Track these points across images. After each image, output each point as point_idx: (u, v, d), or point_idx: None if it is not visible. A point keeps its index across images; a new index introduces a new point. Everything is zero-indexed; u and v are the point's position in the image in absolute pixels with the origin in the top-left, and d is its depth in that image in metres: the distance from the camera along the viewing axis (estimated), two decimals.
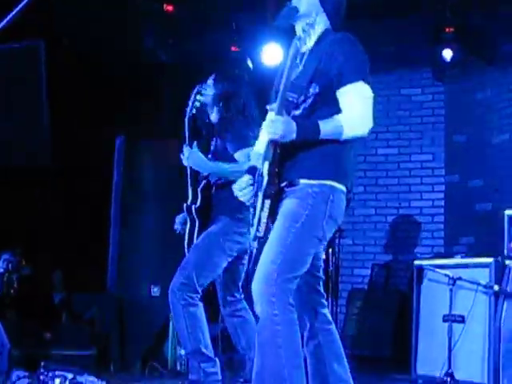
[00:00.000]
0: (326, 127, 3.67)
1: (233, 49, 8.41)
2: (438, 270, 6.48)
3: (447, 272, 6.30)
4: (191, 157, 5.20)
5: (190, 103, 5.31)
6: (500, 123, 8.07)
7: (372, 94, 3.80)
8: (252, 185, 3.94)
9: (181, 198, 5.76)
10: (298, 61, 3.92)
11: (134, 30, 8.24)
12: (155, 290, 7.15)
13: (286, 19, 4.01)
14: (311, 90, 3.79)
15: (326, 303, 4.00)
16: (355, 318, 7.90)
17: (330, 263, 7.63)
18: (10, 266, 6.43)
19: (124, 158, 7.36)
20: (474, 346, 6.19)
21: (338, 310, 7.87)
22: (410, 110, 8.83)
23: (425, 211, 8.66)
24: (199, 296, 5.10)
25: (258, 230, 3.80)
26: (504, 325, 6.01)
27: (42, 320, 7.32)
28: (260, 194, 3.81)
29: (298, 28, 3.97)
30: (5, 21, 3.09)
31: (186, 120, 5.33)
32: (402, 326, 7.30)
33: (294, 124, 3.66)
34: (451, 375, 6.02)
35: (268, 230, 3.78)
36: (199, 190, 5.33)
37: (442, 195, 8.63)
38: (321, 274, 4.00)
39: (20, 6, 3.10)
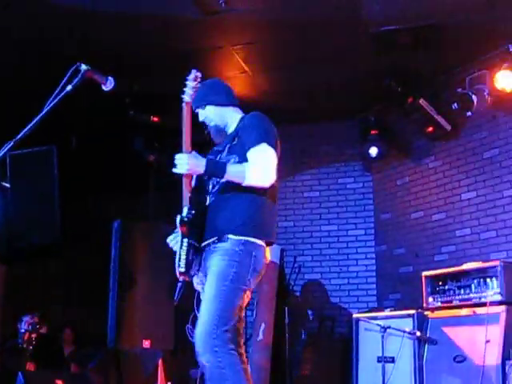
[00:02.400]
0: (231, 169, 3.61)
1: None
2: (371, 320, 6.51)
3: (379, 322, 6.33)
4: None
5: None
6: (417, 202, 8.13)
7: (273, 152, 3.71)
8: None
9: (166, 270, 5.75)
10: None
11: (127, 136, 8.33)
12: (146, 343, 7.07)
13: (220, 138, 3.98)
14: (232, 161, 3.74)
15: (243, 345, 3.73)
16: (308, 361, 7.85)
17: (287, 318, 7.62)
18: (30, 326, 6.33)
19: (120, 237, 7.35)
20: (402, 382, 6.18)
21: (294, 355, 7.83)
22: (345, 195, 8.85)
23: (360, 274, 8.65)
24: None
25: (179, 265, 3.66)
26: (426, 363, 6.06)
27: (55, 370, 7.21)
28: (179, 234, 3.70)
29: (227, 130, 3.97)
30: (25, 130, 3.12)
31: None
32: (345, 366, 7.23)
33: (203, 160, 3.60)
34: None
35: (189, 265, 3.64)
36: None
37: (373, 261, 8.63)
38: (242, 315, 3.73)
39: (36, 119, 3.14)
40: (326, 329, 8.31)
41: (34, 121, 3.14)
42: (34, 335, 6.35)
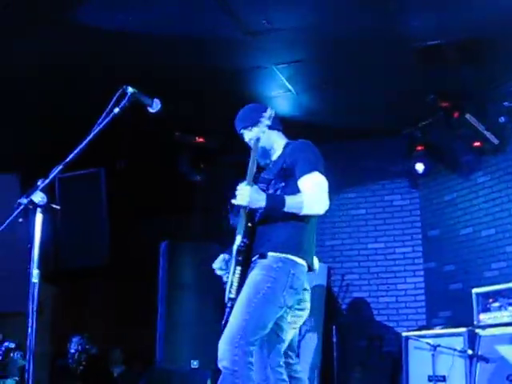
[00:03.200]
0: (290, 201, 3.66)
1: None
2: (421, 339, 6.45)
3: (429, 340, 6.27)
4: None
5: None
6: (464, 219, 8.05)
7: (325, 180, 3.79)
8: (227, 262, 3.89)
9: (213, 290, 5.75)
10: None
11: (173, 157, 8.41)
12: (195, 364, 7.09)
13: (265, 160, 4.05)
14: (280, 185, 3.82)
15: (283, 364, 3.80)
16: (357, 378, 7.78)
17: (334, 336, 7.58)
18: (79, 347, 6.40)
19: (167, 257, 7.42)
20: None
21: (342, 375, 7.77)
22: (392, 212, 8.81)
23: (409, 292, 8.56)
24: None
25: (230, 291, 3.71)
26: (478, 382, 5.96)
27: None
28: (233, 261, 3.73)
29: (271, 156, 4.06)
30: (73, 153, 3.17)
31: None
32: None
33: (264, 194, 3.65)
34: None
35: (239, 292, 3.69)
36: None
37: (421, 279, 8.54)
38: (283, 335, 3.83)
39: (84, 142, 3.19)
40: (374, 348, 8.23)
41: (82, 144, 3.19)
42: (83, 356, 6.42)
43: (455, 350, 6.09)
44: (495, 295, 6.20)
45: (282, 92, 7.48)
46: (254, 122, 3.94)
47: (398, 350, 7.12)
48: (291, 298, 3.72)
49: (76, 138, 3.28)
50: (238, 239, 3.73)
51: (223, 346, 3.55)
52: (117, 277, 9.10)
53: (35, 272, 2.97)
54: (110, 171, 7.44)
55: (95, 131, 3.20)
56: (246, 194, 3.63)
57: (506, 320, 5.97)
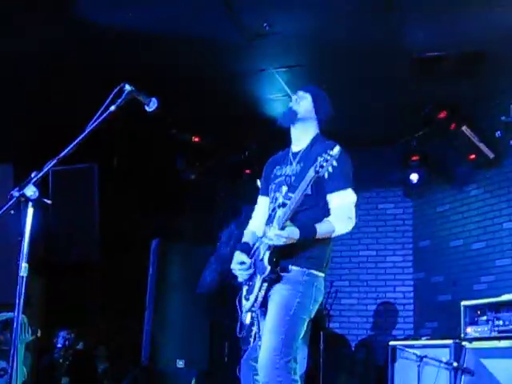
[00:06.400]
0: (321, 229, 3.63)
1: (246, 171, 8.52)
2: (408, 349, 6.43)
3: (416, 351, 6.26)
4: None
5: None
6: (456, 231, 8.06)
7: (355, 198, 3.75)
8: (249, 267, 3.80)
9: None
10: (291, 158, 3.91)
11: (169, 156, 8.41)
12: (180, 363, 7.08)
13: (286, 121, 3.99)
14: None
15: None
16: None
17: (322, 343, 7.57)
18: (66, 342, 6.37)
19: (158, 255, 7.41)
20: None
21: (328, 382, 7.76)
22: (385, 220, 8.86)
23: (398, 301, 8.59)
24: None
25: (253, 305, 3.71)
26: None
27: None
28: (260, 276, 3.68)
29: (294, 131, 3.97)
30: (68, 148, 3.16)
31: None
32: None
33: (296, 229, 3.55)
34: None
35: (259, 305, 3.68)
36: None
37: (411, 288, 8.57)
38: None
39: (79, 138, 3.17)
40: (361, 355, 8.24)
41: (77, 139, 3.18)
42: (70, 351, 6.40)
43: (441, 361, 6.07)
44: (483, 308, 6.19)
45: (280, 96, 7.48)
46: (324, 109, 4.03)
47: (385, 358, 7.12)
48: (315, 309, 3.75)
49: (73, 132, 3.26)
50: (267, 255, 3.64)
51: (265, 370, 3.50)
52: (106, 273, 9.07)
53: (24, 266, 2.96)
54: (104, 167, 7.43)
55: (91, 127, 3.19)
56: (283, 238, 3.53)
57: (493, 334, 5.97)
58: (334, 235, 3.74)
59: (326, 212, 3.75)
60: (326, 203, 3.76)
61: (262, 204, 4.10)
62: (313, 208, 3.74)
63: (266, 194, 4.06)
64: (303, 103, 4.01)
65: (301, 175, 3.65)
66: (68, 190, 7.28)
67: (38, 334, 4.94)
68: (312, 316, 3.74)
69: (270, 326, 3.60)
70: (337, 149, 3.39)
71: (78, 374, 7.13)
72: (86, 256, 7.58)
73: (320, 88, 4.15)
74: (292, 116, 3.97)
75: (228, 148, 8.56)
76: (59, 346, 6.35)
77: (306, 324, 3.69)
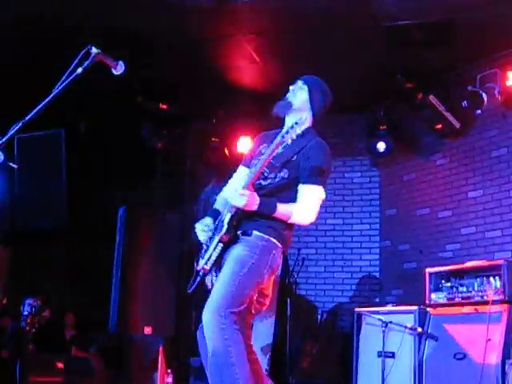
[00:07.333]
0: (280, 209, 3.76)
1: (213, 139, 8.48)
2: (373, 315, 6.53)
3: (381, 317, 6.36)
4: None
5: None
6: (423, 199, 8.13)
7: (322, 193, 3.86)
8: (212, 229, 3.92)
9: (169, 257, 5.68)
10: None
11: (136, 123, 8.33)
12: (148, 330, 7.08)
13: (281, 110, 4.05)
14: (281, 174, 3.85)
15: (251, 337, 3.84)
16: (308, 353, 7.86)
17: (288, 310, 7.63)
18: (33, 309, 6.33)
19: (125, 223, 7.37)
20: (402, 377, 6.21)
21: (294, 348, 7.84)
22: (351, 189, 8.88)
23: (364, 269, 8.64)
24: None
25: (206, 263, 3.81)
26: (426, 359, 6.07)
27: (55, 352, 7.24)
28: (217, 237, 3.80)
29: (289, 120, 3.98)
30: (33, 112, 3.12)
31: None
32: (346, 359, 7.24)
33: (258, 199, 3.71)
34: None
35: (214, 267, 3.81)
36: None
37: (377, 256, 8.64)
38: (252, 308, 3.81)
39: (45, 101, 3.14)
40: (327, 322, 8.32)
41: (43, 103, 3.14)
42: (36, 318, 6.36)
43: (405, 327, 6.18)
44: (448, 276, 6.30)
45: (248, 62, 7.43)
46: (319, 102, 4.10)
47: (351, 325, 7.21)
48: (268, 277, 3.83)
49: (41, 94, 3.21)
50: (228, 217, 3.77)
51: (209, 315, 3.58)
52: (74, 241, 9.02)
53: None
54: (71, 133, 7.34)
55: (57, 90, 3.15)
56: (245, 198, 3.68)
57: (456, 300, 6.07)
58: (289, 221, 3.83)
59: (295, 199, 3.86)
60: (297, 191, 3.86)
61: (241, 173, 4.16)
62: (287, 192, 3.85)
63: (248, 165, 4.13)
64: (299, 94, 4.09)
65: (281, 157, 3.83)
66: (34, 157, 7.18)
67: (4, 301, 4.91)
68: (265, 283, 3.82)
69: (221, 277, 3.71)
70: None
71: (44, 342, 7.12)
72: (54, 224, 7.51)
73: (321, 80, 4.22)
74: (287, 107, 4.05)
75: (195, 115, 8.51)
76: (25, 313, 6.31)
77: (255, 288, 3.76)
